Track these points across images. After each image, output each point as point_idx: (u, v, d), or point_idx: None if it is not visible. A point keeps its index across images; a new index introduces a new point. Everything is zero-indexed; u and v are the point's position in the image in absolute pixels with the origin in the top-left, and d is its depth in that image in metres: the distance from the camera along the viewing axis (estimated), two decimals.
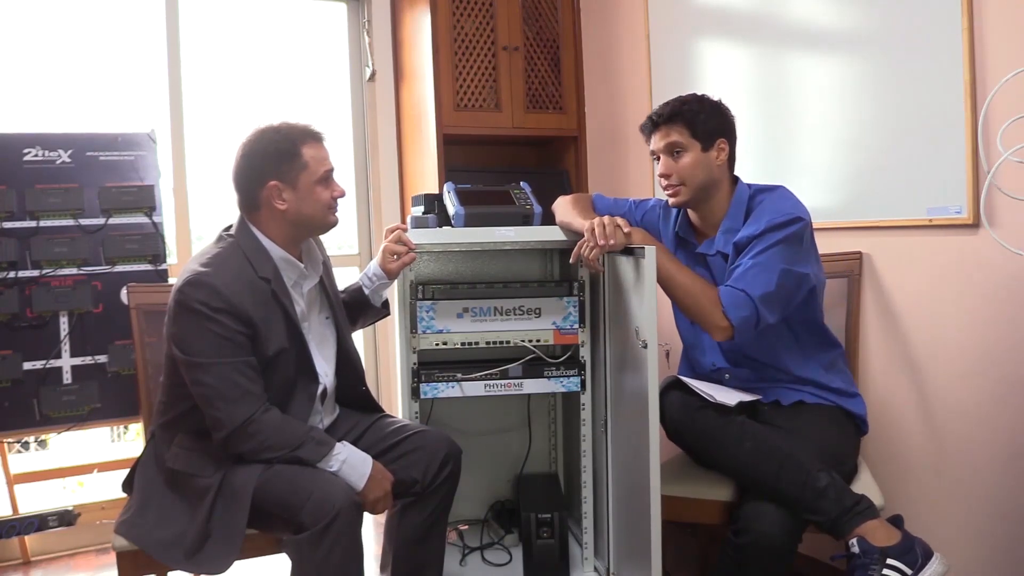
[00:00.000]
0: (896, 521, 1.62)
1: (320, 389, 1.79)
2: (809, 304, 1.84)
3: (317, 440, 1.66)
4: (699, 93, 1.89)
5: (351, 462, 1.66)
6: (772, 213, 1.77)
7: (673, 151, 1.83)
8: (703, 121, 1.82)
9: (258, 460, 1.62)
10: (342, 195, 1.76)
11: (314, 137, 1.73)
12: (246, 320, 1.63)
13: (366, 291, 1.95)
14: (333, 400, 1.89)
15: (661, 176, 1.86)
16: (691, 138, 1.82)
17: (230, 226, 1.76)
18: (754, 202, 1.84)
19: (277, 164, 1.68)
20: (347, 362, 1.88)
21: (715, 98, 1.88)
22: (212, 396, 1.60)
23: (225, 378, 1.60)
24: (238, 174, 1.72)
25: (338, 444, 1.68)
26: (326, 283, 1.86)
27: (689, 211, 1.94)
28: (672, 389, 1.88)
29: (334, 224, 1.78)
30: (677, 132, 1.82)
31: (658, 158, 1.87)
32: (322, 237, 1.88)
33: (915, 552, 1.55)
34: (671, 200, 1.88)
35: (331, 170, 1.74)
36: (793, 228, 1.74)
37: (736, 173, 1.91)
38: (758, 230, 1.76)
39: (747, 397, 1.82)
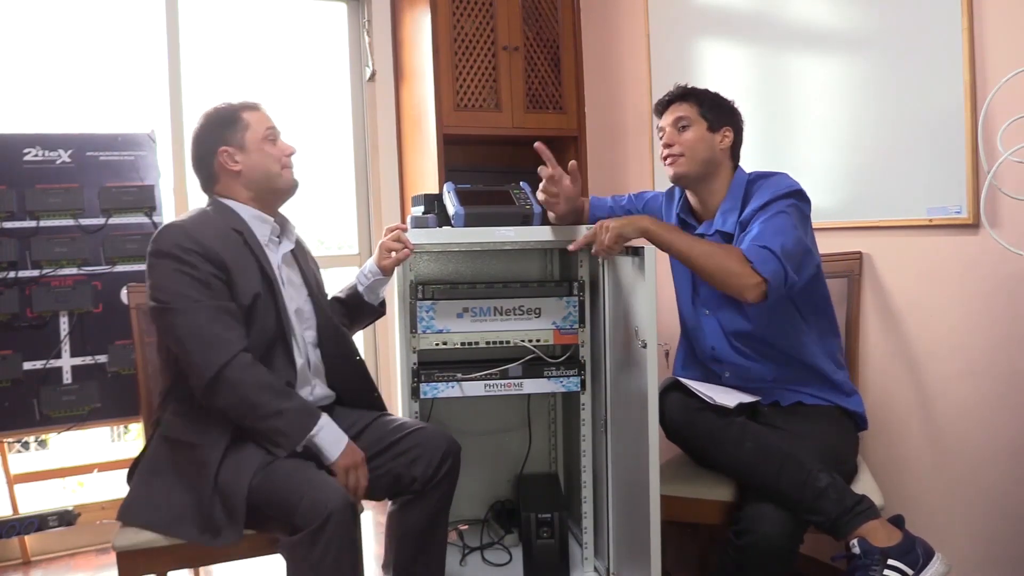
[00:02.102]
0: (897, 521, 1.62)
1: (300, 341, 1.79)
2: (815, 281, 1.84)
3: (299, 408, 1.66)
4: None
5: (329, 429, 1.67)
6: (774, 187, 1.80)
7: (679, 124, 1.88)
8: (712, 107, 1.88)
9: (242, 424, 1.62)
10: (292, 152, 1.84)
11: (252, 106, 1.83)
12: (218, 263, 1.66)
13: (360, 288, 1.96)
14: (322, 371, 1.88)
15: (664, 146, 1.90)
16: (699, 116, 1.88)
17: None
18: (753, 186, 1.86)
19: (222, 131, 1.78)
20: (334, 338, 1.88)
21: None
22: (186, 339, 1.61)
23: (199, 322, 1.62)
24: (193, 156, 1.82)
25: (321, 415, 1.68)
26: (300, 259, 1.89)
27: (689, 195, 1.96)
28: (671, 391, 1.88)
29: (291, 183, 1.84)
30: (687, 108, 1.89)
31: (664, 136, 1.91)
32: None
33: (916, 552, 1.55)
34: (670, 170, 1.89)
35: (273, 128, 1.83)
36: (796, 200, 1.77)
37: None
38: (763, 202, 1.78)
39: (746, 398, 1.82)
